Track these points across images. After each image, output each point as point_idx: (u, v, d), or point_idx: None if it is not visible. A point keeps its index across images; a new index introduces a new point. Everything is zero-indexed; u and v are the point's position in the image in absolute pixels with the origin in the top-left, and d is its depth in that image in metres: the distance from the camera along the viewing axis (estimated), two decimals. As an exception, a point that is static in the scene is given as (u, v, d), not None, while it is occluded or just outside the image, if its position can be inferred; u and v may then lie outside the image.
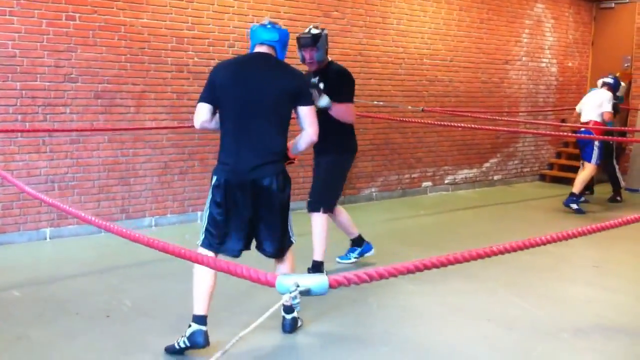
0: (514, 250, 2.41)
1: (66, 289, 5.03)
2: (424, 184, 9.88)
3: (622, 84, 9.23)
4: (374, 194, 9.19)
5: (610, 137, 8.74)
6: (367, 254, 5.76)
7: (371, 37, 8.87)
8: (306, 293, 1.79)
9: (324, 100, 4.85)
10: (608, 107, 8.53)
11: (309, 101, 3.89)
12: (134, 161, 6.91)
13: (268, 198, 3.75)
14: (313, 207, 5.20)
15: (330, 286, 1.83)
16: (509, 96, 10.96)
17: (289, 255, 4.03)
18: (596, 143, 8.45)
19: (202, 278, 3.73)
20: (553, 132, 10.08)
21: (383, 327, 4.36)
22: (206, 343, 3.69)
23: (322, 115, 4.71)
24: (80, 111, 6.51)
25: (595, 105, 8.62)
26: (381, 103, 8.77)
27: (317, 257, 5.25)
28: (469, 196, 9.93)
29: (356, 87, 8.48)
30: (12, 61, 6.11)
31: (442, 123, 9.05)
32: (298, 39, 5.02)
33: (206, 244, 3.81)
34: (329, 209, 5.28)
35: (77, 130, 6.39)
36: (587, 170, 8.62)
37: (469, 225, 7.79)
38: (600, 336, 4.33)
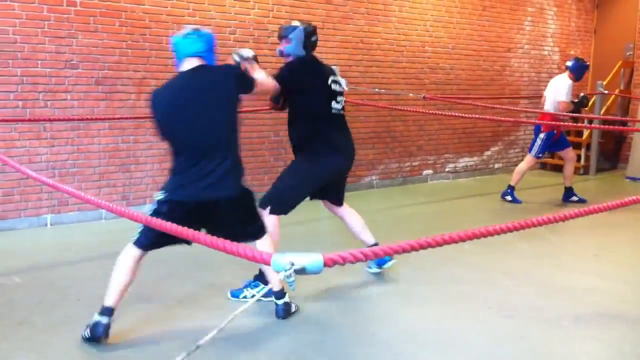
0: (510, 230, 2.40)
1: (67, 275, 5.04)
2: (425, 172, 9.88)
3: (586, 64, 8.26)
4: (375, 182, 9.20)
5: (613, 127, 8.60)
6: (386, 266, 5.08)
7: (373, 25, 8.84)
8: (301, 272, 1.80)
9: (247, 51, 4.45)
10: (563, 96, 7.90)
11: (250, 82, 3.93)
12: (134, 148, 6.91)
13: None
14: (261, 204, 4.55)
15: (325, 264, 1.83)
16: (510, 84, 10.94)
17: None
18: (541, 135, 8.03)
19: (126, 272, 3.76)
20: (553, 122, 10.05)
21: (382, 314, 4.38)
22: (106, 335, 3.69)
23: (290, 111, 4.78)
24: (81, 97, 6.51)
25: (550, 93, 8.16)
26: (382, 91, 8.76)
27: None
28: (470, 184, 9.93)
29: (358, 74, 8.44)
30: (13, 47, 6.10)
31: (443, 113, 9.03)
32: (278, 29, 4.84)
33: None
34: (279, 211, 4.63)
35: (78, 120, 6.38)
36: (525, 162, 8.27)
37: (470, 213, 7.80)
38: (600, 324, 4.35)
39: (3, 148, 6.11)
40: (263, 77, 4.18)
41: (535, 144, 8.11)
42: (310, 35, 4.69)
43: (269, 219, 4.53)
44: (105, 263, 5.32)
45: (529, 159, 8.23)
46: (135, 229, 3.76)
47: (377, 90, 8.67)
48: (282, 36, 4.68)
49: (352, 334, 4.05)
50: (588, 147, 11.04)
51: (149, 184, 7.04)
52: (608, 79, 11.13)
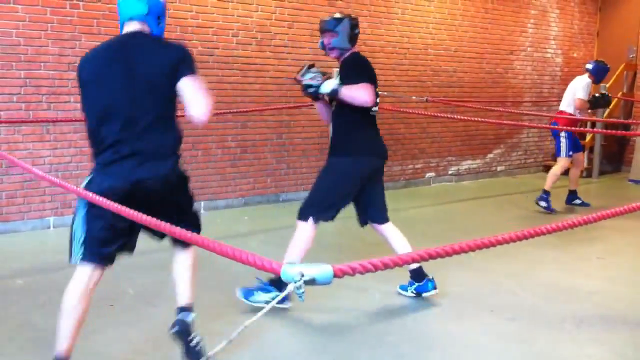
0: (519, 239, 2.39)
1: (70, 277, 5.01)
2: (428, 174, 9.87)
3: (607, 67, 8.21)
4: (378, 184, 9.18)
5: (615, 132, 8.56)
6: (426, 294, 4.71)
7: (375, 27, 8.84)
8: (311, 282, 1.79)
9: (329, 84, 4.24)
10: (580, 94, 7.88)
11: (194, 71, 3.17)
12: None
13: None
14: (301, 215, 4.38)
15: (335, 275, 1.82)
16: (513, 87, 10.93)
17: None
18: (562, 134, 7.87)
19: (75, 305, 3.22)
20: (545, 125, 10.04)
21: (386, 318, 4.37)
22: None
23: (335, 109, 4.50)
24: (84, 100, 6.50)
25: (569, 93, 8.08)
26: (385, 93, 8.75)
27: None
28: (473, 187, 9.92)
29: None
30: (16, 50, 6.11)
31: (446, 115, 9.02)
32: (319, 23, 4.55)
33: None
34: (321, 218, 4.39)
35: (80, 121, 6.38)
36: (557, 164, 8.01)
37: (473, 216, 7.79)
38: (603, 327, 4.34)
39: (6, 150, 6.11)
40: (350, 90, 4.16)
41: (561, 144, 7.91)
42: (354, 28, 4.48)
43: (306, 229, 4.31)
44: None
45: (560, 161, 7.99)
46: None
47: (379, 92, 8.64)
48: (327, 29, 4.43)
49: (357, 336, 4.04)
50: (591, 149, 11.03)
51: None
52: (611, 81, 11.10)
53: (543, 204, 7.87)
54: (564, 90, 11.92)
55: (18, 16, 6.08)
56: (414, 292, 4.73)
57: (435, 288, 4.69)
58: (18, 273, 5.02)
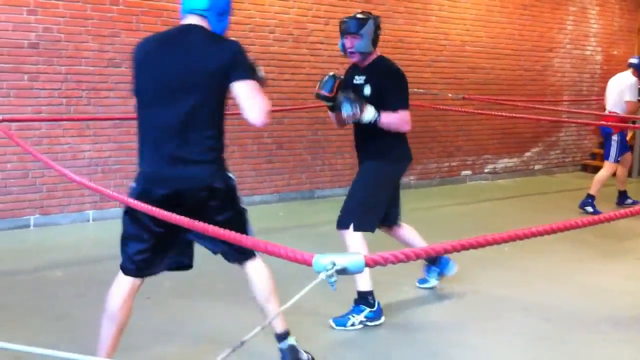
0: (553, 232, 2.34)
1: (108, 270, 5.08)
2: (463, 172, 9.81)
3: None
4: (412, 181, 9.16)
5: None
6: (449, 274, 4.71)
7: (412, 24, 8.81)
8: (342, 272, 1.80)
9: (368, 113, 3.99)
10: (628, 95, 7.47)
11: (248, 74, 3.00)
12: (174, 145, 6.99)
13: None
14: (341, 223, 4.14)
15: (367, 265, 1.83)
16: (552, 84, 10.80)
17: None
18: (614, 138, 7.52)
19: (117, 310, 3.12)
20: (595, 122, 9.90)
21: (419, 314, 4.36)
22: None
23: None
24: (124, 95, 6.60)
25: (615, 93, 7.64)
26: (421, 91, 8.72)
27: (361, 286, 4.17)
28: (509, 186, 9.83)
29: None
30: (58, 46, 6.22)
31: (482, 112, 8.95)
32: (340, 23, 4.29)
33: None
34: (364, 227, 4.15)
35: (119, 119, 6.48)
36: (604, 169, 7.70)
37: (509, 214, 7.72)
38: (639, 329, 4.28)
39: (48, 144, 6.23)
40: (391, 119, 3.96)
41: (612, 147, 7.57)
42: (378, 28, 4.24)
43: (354, 239, 4.08)
44: (145, 259, 5.43)
45: (608, 166, 7.68)
46: None
47: (415, 90, 8.63)
48: (350, 32, 4.14)
49: (389, 333, 4.05)
50: (631, 148, 10.84)
51: (188, 181, 7.11)
52: (652, 79, 10.91)
53: (589, 209, 7.59)
54: (603, 88, 11.71)
55: (59, 12, 6.19)
56: (437, 278, 4.71)
57: (453, 264, 4.63)
58: (57, 265, 5.12)
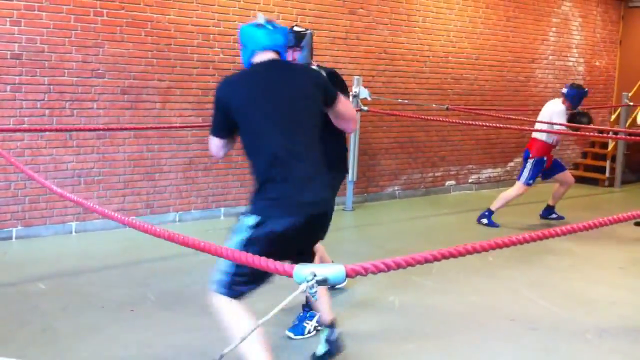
0: (533, 240, 2.37)
1: (91, 282, 5.09)
2: (448, 182, 9.84)
3: (584, 91, 7.54)
4: (397, 192, 9.17)
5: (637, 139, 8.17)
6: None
7: (396, 35, 8.85)
8: (323, 282, 1.80)
9: None
10: (561, 121, 7.35)
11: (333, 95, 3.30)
12: (159, 157, 6.96)
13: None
14: None
15: (348, 275, 1.83)
16: (534, 95, 10.87)
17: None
18: (530, 161, 7.48)
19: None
20: (578, 132, 9.97)
21: (405, 326, 4.36)
22: None
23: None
24: (107, 106, 6.57)
25: (543, 119, 7.52)
26: (405, 101, 8.75)
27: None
28: (493, 195, 9.81)
29: (381, 84, 8.48)
30: (41, 56, 6.19)
31: (466, 122, 8.99)
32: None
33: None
34: None
35: (103, 129, 6.45)
36: (514, 189, 7.62)
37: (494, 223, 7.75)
38: (625, 338, 4.29)
39: (30, 156, 6.18)
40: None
41: (525, 170, 7.51)
42: (312, 40, 4.40)
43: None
44: (129, 270, 5.40)
45: (518, 186, 7.57)
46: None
47: (400, 100, 8.66)
48: (292, 45, 4.20)
49: (375, 345, 4.04)
50: (613, 159, 10.94)
51: (172, 192, 7.08)
52: (634, 90, 11.03)
53: (484, 220, 7.58)
54: (587, 99, 11.82)
55: (42, 23, 6.16)
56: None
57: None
58: (40, 277, 5.07)
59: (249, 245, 2.94)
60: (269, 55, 3.19)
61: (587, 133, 8.23)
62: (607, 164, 10.94)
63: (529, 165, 7.50)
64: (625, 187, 10.85)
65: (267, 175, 3.01)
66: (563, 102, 7.43)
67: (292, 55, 4.24)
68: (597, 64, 11.88)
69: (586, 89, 7.67)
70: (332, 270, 1.81)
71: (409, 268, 1.99)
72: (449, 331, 4.28)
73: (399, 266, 1.96)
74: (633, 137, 9.83)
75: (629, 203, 9.56)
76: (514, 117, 9.23)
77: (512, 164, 10.71)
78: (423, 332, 4.26)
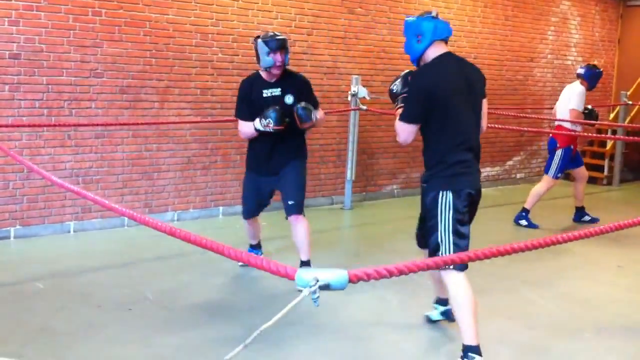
0: (535, 248, 2.38)
1: (89, 281, 5.09)
2: (447, 181, 9.83)
3: (599, 71, 7.54)
4: (396, 191, 9.18)
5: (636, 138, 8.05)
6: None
7: (395, 34, 8.84)
8: (325, 288, 1.78)
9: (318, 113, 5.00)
10: (573, 104, 7.22)
11: None
12: (157, 156, 6.96)
13: None
14: (300, 209, 5.00)
15: (350, 281, 1.83)
16: (533, 94, 10.87)
17: None
18: (558, 152, 7.28)
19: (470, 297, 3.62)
20: (577, 131, 9.96)
21: (404, 324, 4.36)
22: None
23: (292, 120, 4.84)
24: (106, 106, 6.57)
25: (563, 103, 7.41)
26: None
27: (306, 256, 4.96)
28: (492, 194, 9.87)
29: (380, 84, 8.48)
30: (39, 56, 6.18)
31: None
32: (273, 40, 4.75)
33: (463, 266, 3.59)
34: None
35: (102, 125, 6.45)
36: (542, 183, 7.43)
37: (491, 223, 7.74)
38: (622, 337, 4.30)
39: (28, 155, 6.18)
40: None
41: (553, 162, 7.31)
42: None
43: (306, 224, 4.95)
44: (127, 270, 5.40)
45: (547, 180, 7.39)
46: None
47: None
48: (285, 47, 4.76)
49: (372, 344, 4.04)
50: (612, 157, 10.94)
51: (171, 191, 7.08)
52: (632, 89, 11.03)
53: (523, 222, 7.46)
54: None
55: (41, 23, 6.15)
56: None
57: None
58: (38, 277, 5.07)
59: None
60: (444, 47, 3.72)
61: (586, 134, 8.21)
62: (606, 163, 10.94)
63: (557, 157, 7.30)
64: (623, 185, 10.85)
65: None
66: (581, 83, 7.36)
67: (282, 57, 4.74)
68: (596, 62, 11.86)
69: (600, 69, 7.64)
70: (335, 275, 1.80)
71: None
72: (447, 330, 4.28)
73: (401, 272, 1.97)
74: (632, 137, 9.86)
75: (628, 202, 9.57)
76: (512, 115, 9.23)
77: (510, 162, 10.72)
78: (422, 329, 4.26)
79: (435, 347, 4.10)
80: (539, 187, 7.44)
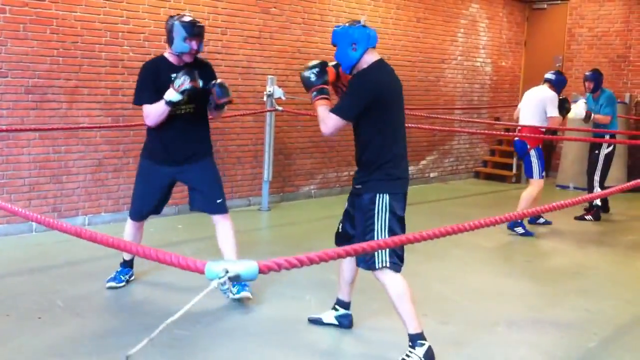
0: (443, 235, 2.43)
1: (24, 284, 4.88)
2: (362, 181, 9.93)
3: (566, 79, 7.54)
4: (313, 191, 9.21)
5: (546, 136, 7.88)
6: (239, 295, 4.38)
7: (310, 35, 8.88)
8: (235, 279, 1.77)
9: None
10: (552, 111, 7.08)
11: None
12: (66, 158, 6.73)
13: None
14: (227, 208, 4.80)
15: (260, 271, 1.82)
16: (445, 94, 11.13)
17: None
18: (532, 153, 7.17)
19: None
20: (486, 131, 10.28)
21: (322, 325, 4.37)
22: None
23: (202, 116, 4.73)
24: (11, 106, 6.31)
25: (532, 106, 7.23)
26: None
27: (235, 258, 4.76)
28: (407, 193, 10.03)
29: (295, 84, 8.50)
30: (-63, 54, 5.88)
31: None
32: (192, 26, 4.47)
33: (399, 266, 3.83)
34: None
35: (7, 130, 6.19)
36: (531, 187, 7.22)
37: (407, 221, 7.86)
38: (534, 329, 4.44)
39: None
40: None
41: (532, 164, 7.18)
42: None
43: (232, 224, 4.69)
44: (36, 277, 5.19)
45: (534, 183, 7.20)
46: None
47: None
48: (202, 35, 4.54)
49: (291, 342, 4.03)
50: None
51: (81, 195, 6.86)
52: (538, 89, 11.43)
53: (519, 230, 7.15)
54: (493, 98, 12.19)
55: (-61, 19, 5.86)
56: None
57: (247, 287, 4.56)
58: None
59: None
60: (375, 54, 3.83)
61: (496, 132, 8.46)
62: (514, 161, 11.30)
63: (533, 158, 7.18)
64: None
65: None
66: (550, 88, 7.25)
67: (198, 45, 4.51)
68: (504, 64, 12.27)
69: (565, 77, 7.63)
70: (245, 266, 1.79)
71: (326, 266, 1.99)
72: (363, 329, 4.31)
73: (312, 262, 1.97)
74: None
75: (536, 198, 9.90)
76: (425, 115, 9.41)
77: (424, 162, 10.93)
78: (338, 332, 4.27)
79: (358, 345, 4.12)
80: (530, 191, 7.18)
